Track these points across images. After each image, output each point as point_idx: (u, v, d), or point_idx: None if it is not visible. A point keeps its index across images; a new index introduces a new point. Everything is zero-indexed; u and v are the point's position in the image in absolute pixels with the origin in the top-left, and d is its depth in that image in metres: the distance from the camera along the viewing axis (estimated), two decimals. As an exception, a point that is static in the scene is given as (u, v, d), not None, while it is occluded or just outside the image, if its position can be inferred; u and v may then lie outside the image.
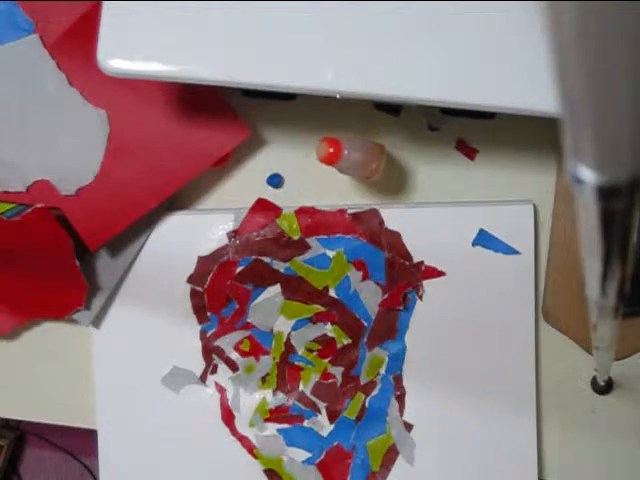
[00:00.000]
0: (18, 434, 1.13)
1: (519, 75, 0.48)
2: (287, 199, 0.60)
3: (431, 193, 0.61)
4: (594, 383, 0.61)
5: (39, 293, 0.59)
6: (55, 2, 0.56)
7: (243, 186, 0.61)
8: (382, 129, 0.60)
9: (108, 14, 0.47)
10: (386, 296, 0.60)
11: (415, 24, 0.48)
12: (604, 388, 0.61)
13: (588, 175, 0.23)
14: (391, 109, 0.60)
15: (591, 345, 0.51)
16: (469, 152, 0.61)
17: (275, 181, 0.61)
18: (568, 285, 0.60)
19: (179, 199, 0.60)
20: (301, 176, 0.61)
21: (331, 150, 0.54)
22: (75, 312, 0.59)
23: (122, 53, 0.47)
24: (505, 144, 0.61)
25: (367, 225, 0.59)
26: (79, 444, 1.12)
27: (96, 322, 0.60)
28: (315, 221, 0.59)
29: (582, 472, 0.62)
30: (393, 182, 0.60)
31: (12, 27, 0.56)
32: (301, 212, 0.59)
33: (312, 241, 0.60)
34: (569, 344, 0.61)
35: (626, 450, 0.62)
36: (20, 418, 0.67)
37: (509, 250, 0.60)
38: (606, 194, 0.24)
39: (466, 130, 0.60)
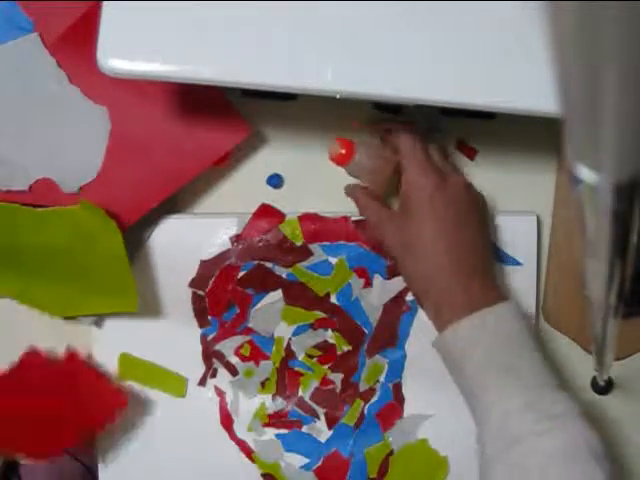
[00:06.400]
0: (18, 434, 1.12)
1: (519, 75, 0.48)
2: (287, 199, 0.60)
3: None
4: (594, 383, 0.61)
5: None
6: (55, 2, 0.56)
7: (243, 186, 0.61)
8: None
9: (108, 14, 0.47)
10: (387, 304, 0.60)
11: (415, 24, 0.48)
12: (604, 388, 0.61)
13: (588, 175, 0.23)
14: (391, 109, 0.60)
15: (591, 345, 0.51)
16: (469, 152, 0.61)
17: (275, 181, 0.60)
18: (568, 285, 0.60)
19: (179, 199, 0.60)
20: (301, 176, 0.61)
21: (342, 152, 0.54)
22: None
23: (122, 53, 0.47)
24: (505, 144, 0.61)
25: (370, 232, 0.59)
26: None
27: (98, 322, 0.60)
28: (318, 227, 0.59)
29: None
30: (392, 183, 0.60)
31: (12, 26, 0.56)
32: (304, 218, 0.59)
33: (315, 247, 0.59)
34: (569, 344, 0.61)
35: (626, 450, 0.62)
36: (20, 418, 0.67)
37: (511, 261, 0.60)
38: (606, 194, 0.24)
39: (466, 130, 0.60)
